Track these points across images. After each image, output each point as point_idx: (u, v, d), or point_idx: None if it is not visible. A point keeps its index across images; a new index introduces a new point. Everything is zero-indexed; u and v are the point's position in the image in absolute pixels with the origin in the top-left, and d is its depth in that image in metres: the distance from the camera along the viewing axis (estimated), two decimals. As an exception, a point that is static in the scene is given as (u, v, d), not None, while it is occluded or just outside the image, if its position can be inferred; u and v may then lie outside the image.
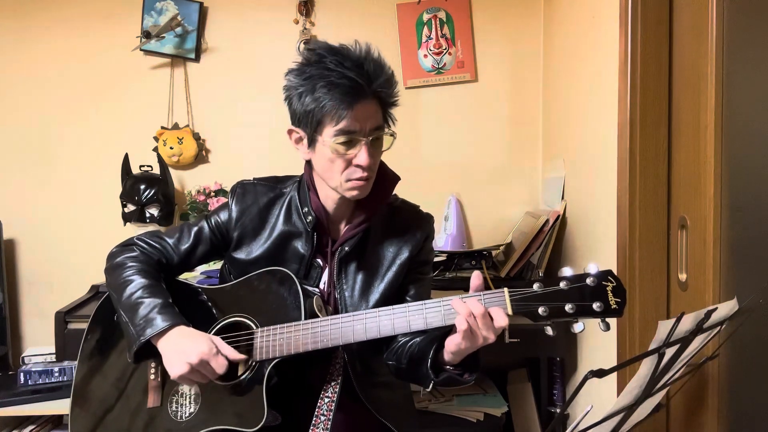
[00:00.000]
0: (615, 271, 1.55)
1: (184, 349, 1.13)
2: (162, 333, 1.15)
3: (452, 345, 1.06)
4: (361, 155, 1.17)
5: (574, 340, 2.02)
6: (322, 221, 1.29)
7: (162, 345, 1.16)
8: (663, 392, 0.94)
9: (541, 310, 0.99)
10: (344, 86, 1.12)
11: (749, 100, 1.18)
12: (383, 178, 1.30)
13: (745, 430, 1.21)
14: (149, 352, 1.18)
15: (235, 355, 1.16)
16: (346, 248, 1.28)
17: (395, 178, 1.33)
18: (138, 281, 1.22)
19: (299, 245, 1.30)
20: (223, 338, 1.23)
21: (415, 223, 1.35)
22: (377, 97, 1.18)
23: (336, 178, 1.21)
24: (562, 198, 2.11)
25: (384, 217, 1.34)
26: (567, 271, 1.00)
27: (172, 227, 1.43)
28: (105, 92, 2.49)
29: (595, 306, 0.97)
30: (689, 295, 1.37)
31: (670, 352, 0.81)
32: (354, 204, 1.30)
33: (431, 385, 1.14)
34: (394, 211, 1.36)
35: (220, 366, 1.13)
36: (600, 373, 0.73)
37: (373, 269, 1.30)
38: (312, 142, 1.21)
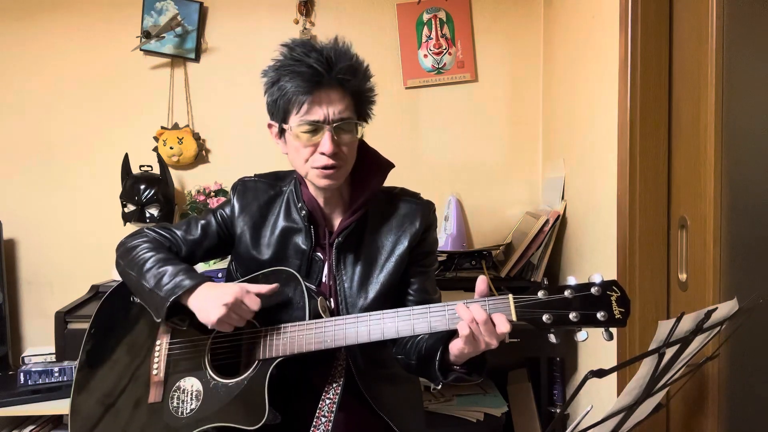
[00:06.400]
0: (615, 272, 1.57)
1: (216, 295, 1.15)
2: (192, 289, 1.17)
3: (455, 349, 1.07)
4: (324, 142, 1.19)
5: (574, 340, 2.01)
6: (316, 214, 1.30)
7: (193, 301, 1.18)
8: (663, 392, 0.94)
9: (545, 317, 0.99)
10: (305, 74, 1.15)
11: (749, 100, 1.18)
12: (376, 165, 1.31)
13: (745, 430, 1.21)
14: (177, 312, 1.21)
15: (266, 288, 1.18)
16: (340, 239, 1.28)
17: (389, 165, 1.32)
18: (156, 256, 1.25)
19: (300, 240, 1.30)
20: (225, 337, 1.24)
21: (413, 210, 1.32)
22: (341, 84, 1.19)
23: (303, 167, 1.24)
24: (562, 198, 2.11)
25: (382, 204, 1.33)
26: (572, 280, 1.01)
27: (179, 221, 1.43)
28: (105, 92, 2.49)
29: (599, 315, 0.98)
30: (689, 295, 1.37)
31: (670, 352, 0.81)
32: (348, 193, 1.31)
33: (440, 384, 1.15)
34: (393, 198, 1.34)
35: (254, 302, 1.16)
36: (600, 373, 0.73)
37: (372, 259, 1.30)
38: (282, 133, 1.24)
